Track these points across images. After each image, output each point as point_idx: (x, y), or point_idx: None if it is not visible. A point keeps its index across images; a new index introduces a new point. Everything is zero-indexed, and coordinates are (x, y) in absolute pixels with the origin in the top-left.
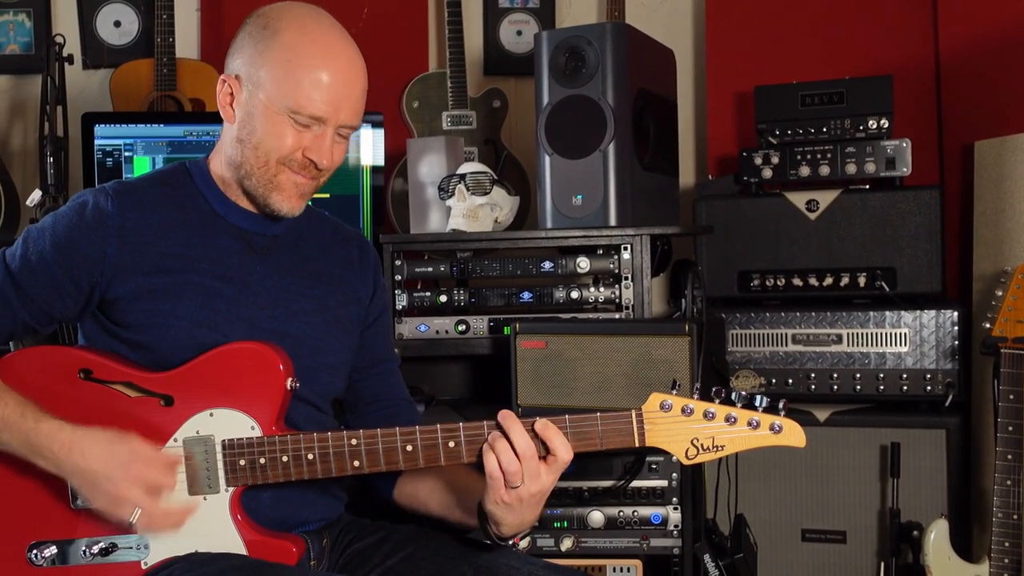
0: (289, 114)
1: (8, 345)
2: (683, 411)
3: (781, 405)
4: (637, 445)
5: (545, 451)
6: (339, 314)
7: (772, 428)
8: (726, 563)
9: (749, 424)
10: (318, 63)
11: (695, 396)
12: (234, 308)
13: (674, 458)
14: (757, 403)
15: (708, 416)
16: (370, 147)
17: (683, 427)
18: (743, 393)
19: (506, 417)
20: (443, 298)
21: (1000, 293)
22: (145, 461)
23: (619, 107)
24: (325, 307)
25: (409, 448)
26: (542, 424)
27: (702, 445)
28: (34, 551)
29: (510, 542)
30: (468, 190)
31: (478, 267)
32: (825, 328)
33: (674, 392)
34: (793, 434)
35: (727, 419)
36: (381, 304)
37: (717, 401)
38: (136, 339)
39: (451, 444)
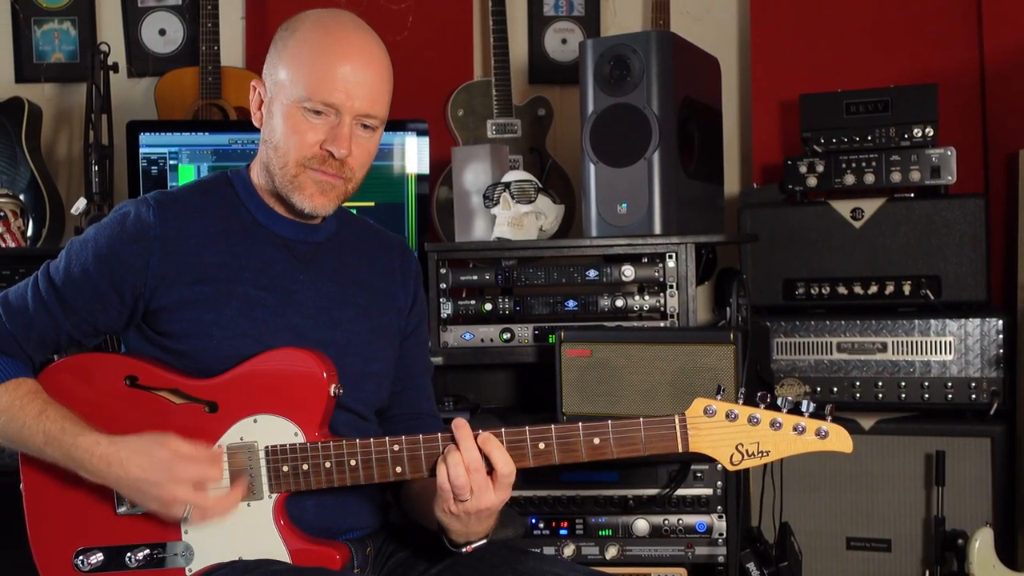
0: (302, 103)
1: (55, 358)
2: (727, 416)
3: (827, 410)
4: (681, 450)
5: (491, 466)
6: (382, 322)
7: (818, 433)
8: (771, 571)
9: (795, 429)
10: (329, 51)
11: (740, 401)
12: (278, 318)
13: (719, 465)
14: (803, 408)
15: (753, 421)
16: (415, 155)
17: (727, 432)
18: (789, 399)
19: (459, 427)
20: (488, 306)
21: None
22: (186, 458)
23: (664, 115)
24: (369, 315)
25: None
26: (484, 438)
27: (747, 451)
28: (80, 558)
29: (463, 549)
30: (513, 198)
31: (523, 275)
32: (870, 336)
33: (718, 397)
34: (840, 439)
35: (772, 424)
36: (419, 315)
37: (762, 406)
38: (179, 348)
39: None
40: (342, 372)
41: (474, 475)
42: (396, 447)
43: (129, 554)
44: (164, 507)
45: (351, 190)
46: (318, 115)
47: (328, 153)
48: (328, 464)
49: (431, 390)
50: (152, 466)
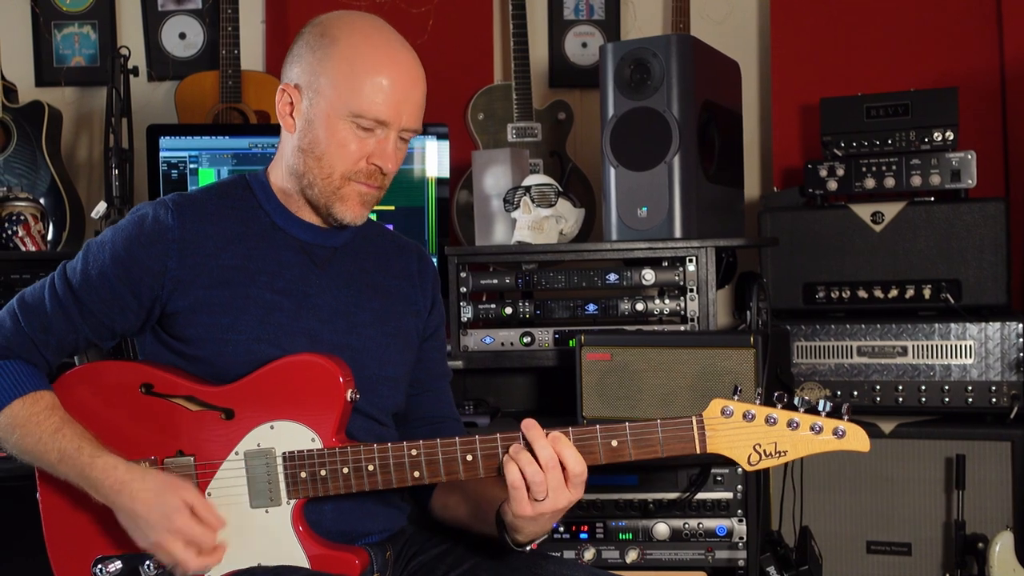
0: (352, 119)
1: (73, 359)
2: (744, 417)
3: (844, 409)
4: (698, 451)
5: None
6: (399, 326)
7: (835, 433)
8: (791, 575)
9: (812, 429)
10: (378, 67)
11: (757, 402)
12: (294, 322)
13: (739, 468)
14: (820, 408)
15: (770, 421)
16: (435, 159)
17: (745, 433)
18: (806, 399)
19: (529, 427)
20: (508, 310)
21: None
22: (189, 516)
23: (684, 119)
24: (385, 319)
25: (469, 458)
26: (553, 436)
27: (764, 451)
28: (99, 566)
29: (527, 548)
30: (533, 202)
31: (543, 279)
32: (890, 340)
33: (735, 398)
34: (856, 438)
35: (789, 424)
36: (438, 318)
37: (779, 406)
38: (195, 353)
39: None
40: (358, 376)
41: (551, 473)
42: (414, 451)
43: (148, 562)
44: (152, 548)
45: (381, 197)
46: (367, 131)
47: (375, 167)
48: (346, 469)
49: (450, 394)
50: (156, 508)
